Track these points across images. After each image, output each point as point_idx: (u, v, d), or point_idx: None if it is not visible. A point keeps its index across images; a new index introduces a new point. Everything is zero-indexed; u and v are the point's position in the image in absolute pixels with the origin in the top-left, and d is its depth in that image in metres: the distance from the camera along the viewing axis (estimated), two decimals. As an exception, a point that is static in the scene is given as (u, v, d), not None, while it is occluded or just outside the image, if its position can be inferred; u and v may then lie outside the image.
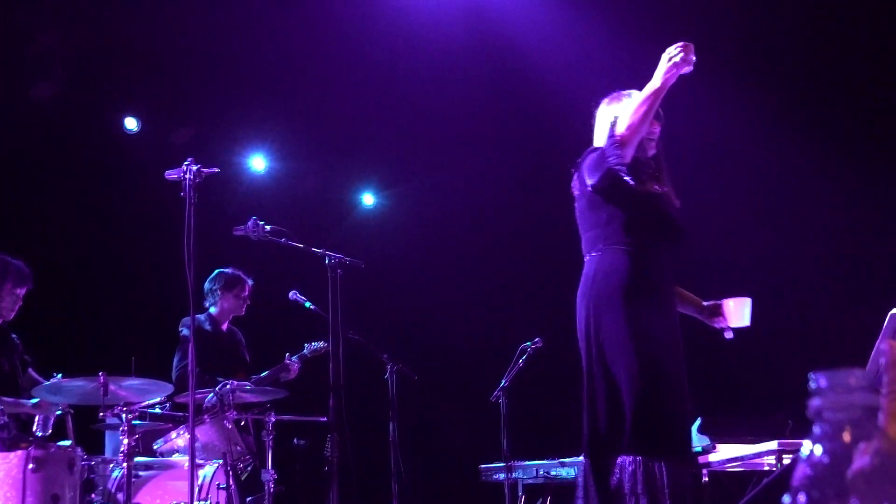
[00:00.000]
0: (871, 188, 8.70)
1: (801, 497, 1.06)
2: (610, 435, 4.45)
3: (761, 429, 5.40)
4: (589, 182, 4.71)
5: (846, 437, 1.07)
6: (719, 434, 5.56)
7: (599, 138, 4.83)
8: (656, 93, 4.48)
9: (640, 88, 4.60)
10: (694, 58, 4.43)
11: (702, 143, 8.66)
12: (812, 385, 1.09)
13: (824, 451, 1.07)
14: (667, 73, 4.44)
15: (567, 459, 7.73)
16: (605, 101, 4.91)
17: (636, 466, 4.35)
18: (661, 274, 4.68)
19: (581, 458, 4.62)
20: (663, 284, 4.69)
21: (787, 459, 4.34)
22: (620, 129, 4.56)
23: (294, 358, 7.72)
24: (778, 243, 9.16)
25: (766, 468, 4.76)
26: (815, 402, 1.08)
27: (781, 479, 2.79)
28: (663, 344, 4.52)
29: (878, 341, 4.35)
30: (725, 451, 4.95)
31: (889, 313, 4.24)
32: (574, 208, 4.93)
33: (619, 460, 4.40)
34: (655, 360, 4.46)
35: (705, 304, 4.90)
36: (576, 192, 4.93)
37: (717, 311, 4.83)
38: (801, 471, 1.08)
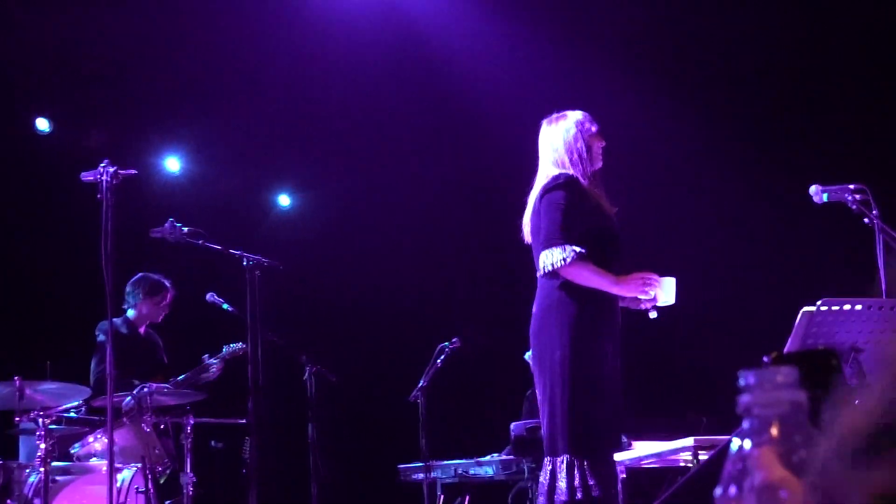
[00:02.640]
0: (782, 191, 8.87)
1: (732, 489, 1.10)
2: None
3: (676, 426, 5.50)
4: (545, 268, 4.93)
5: (774, 431, 1.11)
6: (635, 431, 5.65)
7: (545, 161, 5.16)
8: (608, 288, 4.89)
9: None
10: (652, 295, 4.91)
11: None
12: (741, 382, 1.13)
13: (753, 445, 1.11)
14: (629, 291, 4.90)
15: (484, 458, 7.79)
16: (545, 123, 5.22)
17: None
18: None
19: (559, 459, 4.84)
20: (612, 299, 4.99)
21: (703, 456, 4.43)
22: (579, 272, 4.86)
23: (213, 359, 7.67)
24: (687, 245, 9.30)
25: (683, 464, 4.84)
26: (744, 399, 1.13)
27: (701, 475, 2.87)
28: (610, 360, 4.91)
29: (789, 340, 4.44)
30: (642, 448, 5.04)
31: (800, 311, 4.33)
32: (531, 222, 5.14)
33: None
34: (601, 376, 4.86)
35: None
36: (534, 208, 5.12)
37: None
38: (732, 464, 1.12)
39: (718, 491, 1.12)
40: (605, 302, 4.94)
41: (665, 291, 4.95)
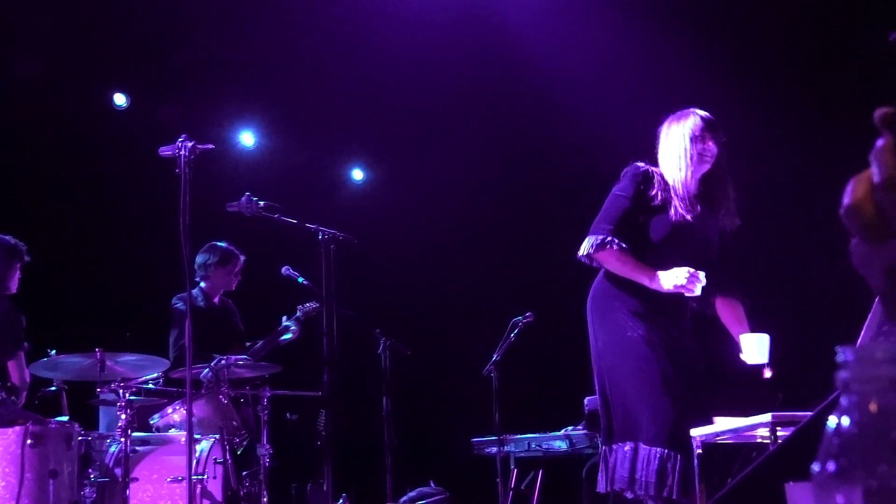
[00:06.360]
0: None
1: (830, 465, 1.09)
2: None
3: (751, 401, 5.45)
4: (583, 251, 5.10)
5: (873, 407, 1.10)
6: (713, 407, 5.61)
7: (664, 158, 5.15)
8: (639, 280, 4.95)
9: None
10: (696, 292, 4.89)
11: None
12: (839, 358, 1.12)
13: (852, 422, 1.10)
14: (664, 286, 4.89)
15: (558, 433, 7.79)
16: (668, 121, 5.20)
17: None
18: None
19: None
20: (666, 298, 4.99)
21: (781, 432, 4.39)
22: (607, 259, 5.01)
23: (290, 321, 7.71)
24: (770, 224, 9.20)
25: (759, 440, 4.81)
26: (842, 375, 1.12)
27: (781, 453, 2.85)
28: (658, 348, 4.99)
29: (870, 313, 4.39)
30: (718, 424, 5.00)
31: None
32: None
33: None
34: (647, 361, 4.96)
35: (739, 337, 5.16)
36: None
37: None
38: (829, 440, 1.11)
39: (815, 468, 1.11)
40: (652, 292, 4.99)
41: (759, 348, 4.96)
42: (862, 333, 4.24)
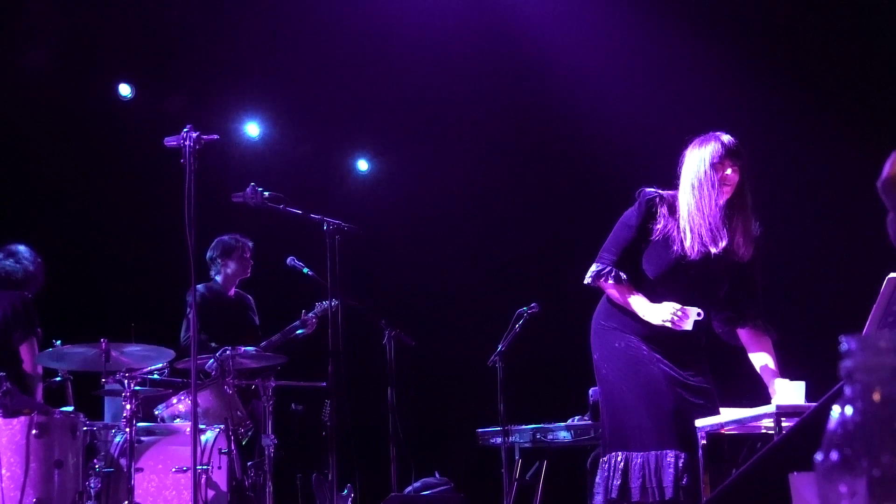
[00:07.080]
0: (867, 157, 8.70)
1: (834, 454, 1.09)
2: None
3: (757, 392, 5.45)
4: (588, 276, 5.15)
5: (876, 397, 1.10)
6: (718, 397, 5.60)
7: (684, 183, 5.00)
8: (633, 311, 4.99)
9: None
10: (685, 327, 4.85)
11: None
12: (843, 347, 1.12)
13: (855, 411, 1.10)
14: (653, 318, 4.91)
15: (562, 423, 7.80)
16: (692, 145, 5.06)
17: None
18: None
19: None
20: (664, 329, 4.94)
21: (785, 423, 4.39)
22: (605, 288, 5.10)
23: (310, 314, 7.75)
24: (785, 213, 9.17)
25: (764, 431, 4.80)
26: (846, 364, 1.12)
27: (785, 443, 2.85)
28: (647, 358, 5.01)
29: (874, 306, 4.38)
30: (723, 414, 5.00)
31: (886, 277, 4.27)
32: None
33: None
34: (635, 369, 5.01)
35: (772, 382, 5.02)
36: None
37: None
38: (833, 429, 1.11)
39: (819, 457, 1.11)
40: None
41: (796, 397, 4.78)
42: (867, 323, 4.25)
